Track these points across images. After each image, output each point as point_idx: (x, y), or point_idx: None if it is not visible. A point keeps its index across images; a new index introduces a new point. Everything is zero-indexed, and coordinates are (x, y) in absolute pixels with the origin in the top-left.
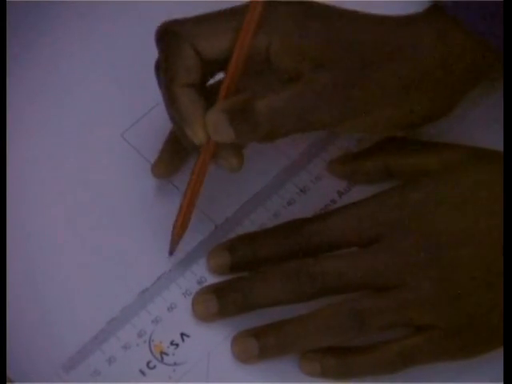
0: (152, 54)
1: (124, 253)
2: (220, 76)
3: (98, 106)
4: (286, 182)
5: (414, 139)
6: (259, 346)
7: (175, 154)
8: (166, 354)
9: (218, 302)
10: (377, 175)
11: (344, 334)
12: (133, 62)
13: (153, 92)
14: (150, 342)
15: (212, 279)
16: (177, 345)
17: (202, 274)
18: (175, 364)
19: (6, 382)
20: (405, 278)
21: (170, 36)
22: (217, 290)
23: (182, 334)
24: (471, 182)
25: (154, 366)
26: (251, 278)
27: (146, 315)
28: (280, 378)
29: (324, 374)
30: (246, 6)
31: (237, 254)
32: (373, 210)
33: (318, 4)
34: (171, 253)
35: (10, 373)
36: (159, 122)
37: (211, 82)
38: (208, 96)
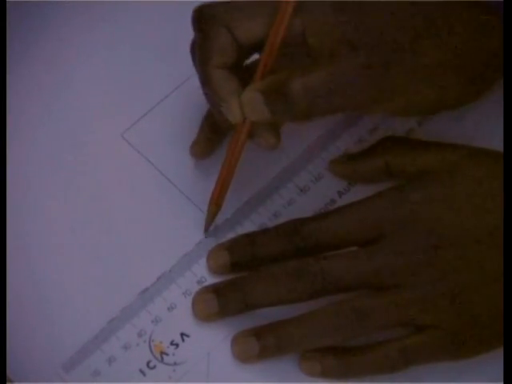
0: (152, 53)
1: (124, 253)
2: (255, 57)
3: (98, 106)
4: (286, 182)
5: (414, 139)
6: (259, 345)
7: (212, 133)
8: (166, 354)
9: (218, 302)
10: (377, 175)
11: (344, 334)
12: (133, 62)
13: (153, 92)
14: (150, 342)
15: (212, 279)
16: (177, 345)
17: (202, 274)
18: (175, 364)
19: (5, 382)
20: (405, 278)
21: (206, 18)
22: (217, 290)
23: (182, 334)
24: (471, 181)
25: (154, 366)
26: (251, 277)
27: (146, 315)
28: (280, 377)
29: (324, 374)
30: None
31: (236, 254)
32: (373, 209)
33: None
34: (206, 230)
35: (9, 373)
36: (159, 122)
37: (247, 62)
38: (243, 77)
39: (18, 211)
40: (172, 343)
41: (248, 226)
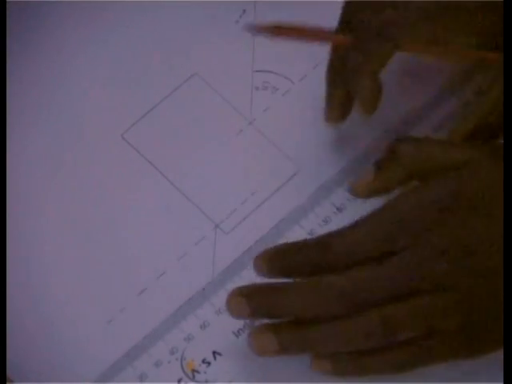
0: (152, 53)
1: (123, 253)
2: None
3: (98, 106)
4: (322, 201)
5: (428, 138)
6: (278, 341)
7: (345, 98)
8: (198, 372)
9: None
10: (398, 183)
11: (371, 341)
12: (133, 62)
13: (153, 92)
14: (181, 360)
15: None
16: (209, 363)
17: None
18: (206, 382)
19: (5, 382)
20: (431, 286)
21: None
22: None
23: (214, 353)
24: (493, 181)
25: None
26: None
27: (178, 333)
28: None
29: (335, 373)
30: None
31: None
32: (393, 219)
33: None
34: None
35: (9, 373)
36: (159, 122)
37: None
38: None
39: (17, 211)
40: (204, 361)
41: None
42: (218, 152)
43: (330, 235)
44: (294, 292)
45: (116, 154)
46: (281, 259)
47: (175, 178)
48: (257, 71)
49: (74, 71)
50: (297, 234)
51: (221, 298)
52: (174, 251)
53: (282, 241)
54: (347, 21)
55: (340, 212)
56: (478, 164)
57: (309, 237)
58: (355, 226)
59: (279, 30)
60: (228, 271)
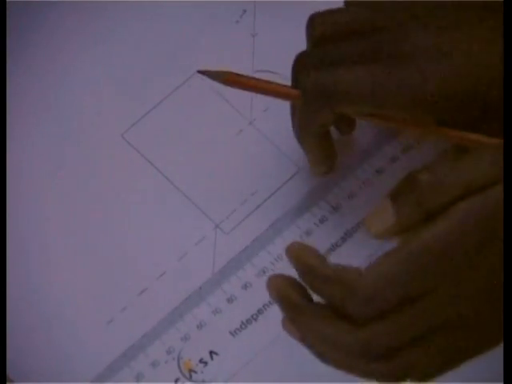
0: (152, 53)
1: (123, 253)
2: None
3: (98, 106)
4: (319, 201)
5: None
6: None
7: (327, 149)
8: (195, 372)
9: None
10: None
11: None
12: (133, 62)
13: (153, 92)
14: (178, 360)
15: (242, 298)
16: (206, 363)
17: (232, 292)
18: (203, 381)
19: (5, 382)
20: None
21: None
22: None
23: (211, 352)
24: None
25: None
26: None
27: (175, 332)
28: None
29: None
30: None
31: None
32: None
33: None
34: None
35: (9, 373)
36: (159, 122)
37: None
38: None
39: (17, 211)
40: (201, 361)
41: (279, 244)
42: (218, 152)
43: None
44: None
45: (116, 153)
46: None
47: (175, 178)
48: (257, 71)
49: (74, 71)
50: (293, 233)
51: (218, 297)
52: (174, 251)
53: (279, 241)
54: (295, 77)
55: (336, 211)
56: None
57: (305, 236)
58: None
59: (233, 79)
60: (225, 270)
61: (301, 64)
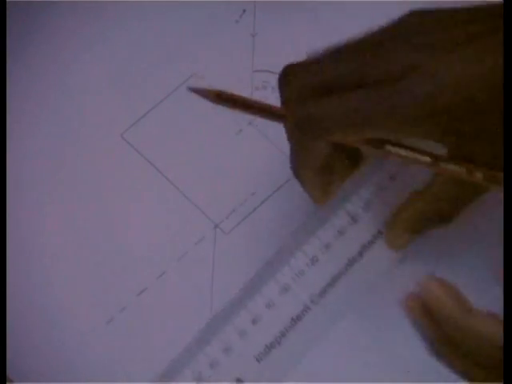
0: (152, 53)
1: (123, 253)
2: None
3: (98, 106)
4: (337, 210)
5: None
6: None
7: (327, 175)
8: None
9: None
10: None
11: None
12: (133, 62)
13: (153, 92)
14: None
15: (267, 317)
16: None
17: (257, 312)
18: None
19: (5, 381)
20: None
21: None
22: None
23: (238, 380)
24: None
25: None
26: None
27: (203, 358)
28: None
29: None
30: None
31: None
32: None
33: None
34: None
35: (9, 373)
36: (159, 122)
37: None
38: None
39: (17, 211)
40: None
41: (301, 257)
42: (217, 152)
43: None
44: None
45: (116, 153)
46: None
47: (175, 177)
48: (257, 71)
49: (73, 71)
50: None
51: (242, 318)
52: (174, 251)
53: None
54: (286, 101)
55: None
56: None
57: (325, 250)
58: None
59: (222, 98)
60: (249, 290)
61: (288, 92)
